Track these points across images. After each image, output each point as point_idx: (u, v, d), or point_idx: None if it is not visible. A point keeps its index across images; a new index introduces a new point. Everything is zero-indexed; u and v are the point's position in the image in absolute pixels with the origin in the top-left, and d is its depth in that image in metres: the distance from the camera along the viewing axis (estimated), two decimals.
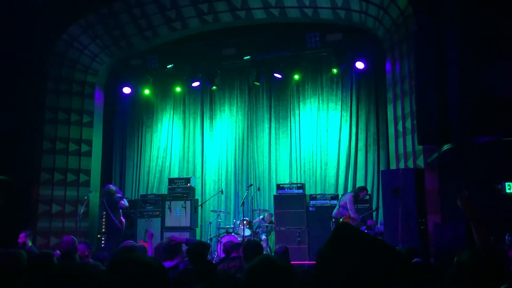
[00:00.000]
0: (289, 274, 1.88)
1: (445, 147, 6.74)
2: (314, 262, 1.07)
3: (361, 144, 10.80)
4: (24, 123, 10.22)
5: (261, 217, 10.50)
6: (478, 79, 6.50)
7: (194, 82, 11.68)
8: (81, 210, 9.59)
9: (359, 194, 8.86)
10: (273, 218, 10.23)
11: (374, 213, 9.72)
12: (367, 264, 0.86)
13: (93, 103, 11.18)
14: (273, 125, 11.64)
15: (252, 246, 4.31)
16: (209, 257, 6.78)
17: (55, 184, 10.47)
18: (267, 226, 10.24)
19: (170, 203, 10.60)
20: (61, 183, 10.53)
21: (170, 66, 11.63)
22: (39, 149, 10.46)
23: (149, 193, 11.69)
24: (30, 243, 7.70)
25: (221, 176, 11.83)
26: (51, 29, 10.33)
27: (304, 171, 11.18)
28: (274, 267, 1.83)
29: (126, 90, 11.99)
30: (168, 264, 4.41)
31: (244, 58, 11.23)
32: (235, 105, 12.01)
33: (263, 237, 9.76)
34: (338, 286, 0.81)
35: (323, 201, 10.05)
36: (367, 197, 9.42)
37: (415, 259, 4.04)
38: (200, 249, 4.36)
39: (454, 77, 6.68)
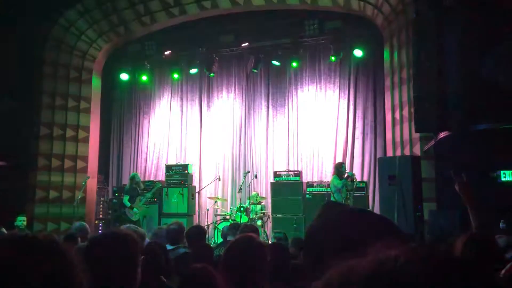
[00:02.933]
0: (264, 250, 2.10)
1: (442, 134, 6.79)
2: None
3: (358, 132, 10.83)
4: (22, 108, 10.19)
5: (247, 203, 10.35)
6: (476, 67, 6.52)
7: (192, 69, 11.65)
8: (79, 196, 9.63)
9: (340, 170, 8.58)
10: (258, 197, 10.24)
11: (369, 200, 9.78)
12: (355, 228, 0.88)
13: (91, 89, 11.15)
14: (270, 112, 11.64)
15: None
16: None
17: (53, 170, 10.49)
18: (262, 212, 10.25)
19: (168, 189, 10.65)
20: (58, 169, 10.55)
21: (167, 52, 11.59)
22: (36, 135, 10.45)
23: (146, 179, 11.72)
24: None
25: (219, 163, 11.85)
26: (48, 14, 10.26)
27: (301, 158, 11.21)
28: (251, 243, 2.08)
29: (124, 76, 11.96)
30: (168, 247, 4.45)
31: (242, 45, 11.19)
32: (232, 92, 12.00)
33: (259, 223, 9.77)
34: (327, 252, 0.83)
35: (320, 188, 10.11)
36: (352, 175, 9.17)
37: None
38: (197, 232, 4.40)
39: (452, 65, 6.70)
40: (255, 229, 4.52)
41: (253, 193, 10.38)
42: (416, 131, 7.55)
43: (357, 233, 0.85)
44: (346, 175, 8.39)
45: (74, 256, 0.98)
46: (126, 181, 12.36)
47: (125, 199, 9.60)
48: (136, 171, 12.36)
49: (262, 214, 10.22)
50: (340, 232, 0.92)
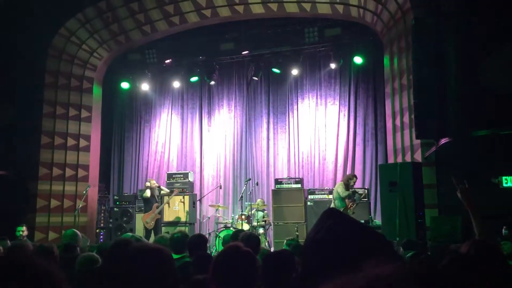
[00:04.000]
0: (253, 257, 2.09)
1: (443, 141, 6.77)
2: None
3: (359, 138, 10.83)
4: (23, 117, 10.21)
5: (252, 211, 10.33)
6: (476, 73, 6.52)
7: (192, 77, 11.68)
8: (80, 205, 9.62)
9: (348, 182, 8.81)
10: (261, 202, 10.23)
11: (371, 207, 9.75)
12: (352, 242, 0.88)
13: (92, 98, 11.18)
14: (271, 120, 11.65)
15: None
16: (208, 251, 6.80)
17: (54, 179, 10.47)
18: (264, 220, 10.21)
19: (169, 197, 10.63)
20: (59, 178, 10.54)
21: (168, 60, 11.63)
22: (37, 144, 10.46)
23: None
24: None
25: (220, 171, 11.85)
26: (49, 24, 10.31)
27: (303, 165, 11.20)
28: (239, 252, 2.07)
29: (125, 85, 12.01)
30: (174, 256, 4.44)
31: (243, 53, 11.23)
32: (233, 100, 12.02)
33: (260, 231, 9.73)
34: (324, 264, 0.83)
35: (321, 195, 10.09)
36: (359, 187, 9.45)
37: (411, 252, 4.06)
38: (198, 241, 4.39)
39: (452, 71, 6.70)
40: (255, 237, 4.50)
41: (259, 200, 10.37)
42: (417, 138, 7.54)
43: (354, 249, 0.85)
44: (353, 190, 8.60)
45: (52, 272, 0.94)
46: (127, 189, 12.37)
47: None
48: (137, 180, 12.38)
49: (263, 222, 10.17)
50: (337, 246, 0.91)
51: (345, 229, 0.98)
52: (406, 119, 8.68)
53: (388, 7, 9.05)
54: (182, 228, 9.56)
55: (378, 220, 9.26)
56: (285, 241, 5.45)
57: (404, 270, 0.50)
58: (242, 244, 2.26)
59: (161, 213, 9.62)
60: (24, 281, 0.89)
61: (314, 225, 1.11)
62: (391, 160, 9.16)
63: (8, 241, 5.37)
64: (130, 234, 5.82)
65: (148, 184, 10.15)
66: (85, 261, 3.57)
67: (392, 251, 0.91)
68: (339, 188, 8.69)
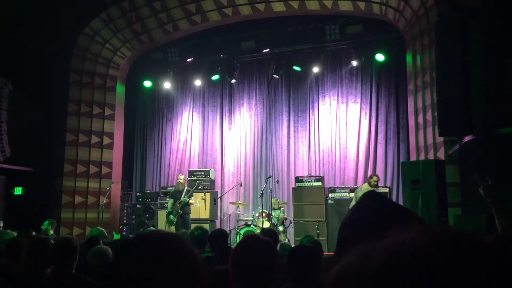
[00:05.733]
0: (271, 245, 2.11)
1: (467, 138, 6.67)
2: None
3: (381, 137, 10.73)
4: (48, 116, 10.45)
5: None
6: (501, 70, 6.40)
7: (213, 76, 11.75)
8: (103, 201, 9.79)
9: (369, 182, 9.01)
10: (279, 202, 10.19)
11: None
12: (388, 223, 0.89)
13: (115, 96, 11.36)
14: (291, 118, 11.64)
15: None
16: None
17: (78, 175, 10.69)
18: (284, 218, 10.20)
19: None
20: (83, 175, 10.75)
21: (190, 59, 11.73)
22: (62, 141, 10.69)
23: (169, 185, 11.84)
24: (51, 232, 7.92)
25: (240, 168, 11.90)
26: (74, 23, 10.52)
27: (323, 164, 11.16)
28: (258, 240, 2.10)
29: (147, 83, 12.16)
30: None
31: (263, 51, 11.25)
32: (254, 98, 12.05)
33: (280, 228, 9.73)
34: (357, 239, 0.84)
35: (342, 193, 10.05)
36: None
37: None
38: (220, 235, 4.44)
39: (476, 67, 6.59)
40: (274, 231, 4.53)
41: (273, 198, 10.37)
42: (440, 135, 7.42)
43: (381, 220, 0.86)
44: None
45: None
46: (150, 186, 12.54)
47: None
48: (160, 177, 12.52)
49: (283, 220, 10.18)
50: (373, 223, 0.92)
51: (383, 209, 0.99)
52: (429, 116, 8.57)
53: (410, 3, 8.95)
54: (203, 225, 9.64)
55: None
56: (302, 237, 5.46)
57: (429, 235, 0.51)
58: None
59: (183, 209, 9.62)
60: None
61: (352, 206, 1.12)
62: (413, 158, 9.05)
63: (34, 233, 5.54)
64: (152, 228, 5.93)
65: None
66: (97, 253, 3.71)
67: (420, 220, 0.92)
68: (365, 187, 8.87)
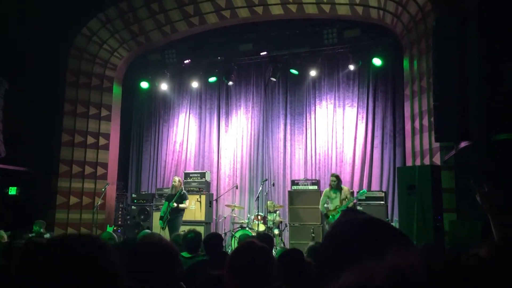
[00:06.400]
0: (268, 252, 2.13)
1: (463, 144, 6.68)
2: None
3: (377, 141, 10.74)
4: (44, 115, 10.41)
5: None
6: (499, 75, 6.41)
7: (210, 78, 11.75)
8: (98, 202, 9.75)
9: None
10: (275, 205, 10.21)
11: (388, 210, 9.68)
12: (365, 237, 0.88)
13: (111, 97, 11.34)
14: (288, 121, 11.64)
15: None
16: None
17: (73, 176, 10.65)
18: (280, 222, 10.20)
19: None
20: (79, 176, 10.71)
21: (187, 61, 11.72)
22: (58, 141, 10.65)
23: (164, 187, 11.81)
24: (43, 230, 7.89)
25: (236, 171, 11.89)
26: (72, 23, 10.49)
27: (319, 167, 11.16)
28: (254, 247, 2.10)
29: (144, 84, 12.14)
30: (186, 255, 4.47)
31: (261, 53, 11.25)
32: (251, 100, 12.05)
33: (276, 231, 9.71)
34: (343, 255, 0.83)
35: None
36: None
37: None
38: (214, 239, 4.42)
39: (474, 73, 6.60)
40: (269, 236, 4.51)
41: (269, 201, 10.36)
42: (436, 141, 7.43)
43: (372, 240, 0.85)
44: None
45: None
46: (145, 187, 12.51)
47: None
48: (155, 178, 12.49)
49: (279, 223, 10.17)
50: (356, 238, 0.92)
51: (363, 223, 0.99)
52: (425, 122, 8.58)
53: (408, 8, 8.97)
54: (197, 228, 9.61)
55: (395, 224, 9.18)
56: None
57: (423, 262, 0.51)
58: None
59: (171, 214, 9.44)
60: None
61: (333, 222, 1.12)
62: (409, 163, 9.07)
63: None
64: (147, 231, 5.90)
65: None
66: None
67: (409, 242, 0.92)
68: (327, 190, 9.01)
